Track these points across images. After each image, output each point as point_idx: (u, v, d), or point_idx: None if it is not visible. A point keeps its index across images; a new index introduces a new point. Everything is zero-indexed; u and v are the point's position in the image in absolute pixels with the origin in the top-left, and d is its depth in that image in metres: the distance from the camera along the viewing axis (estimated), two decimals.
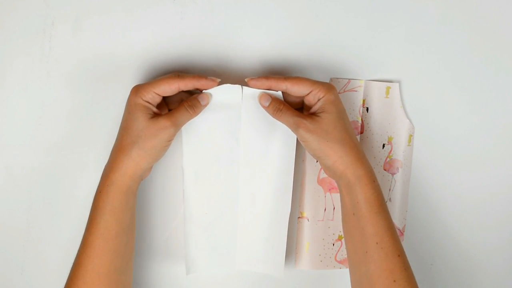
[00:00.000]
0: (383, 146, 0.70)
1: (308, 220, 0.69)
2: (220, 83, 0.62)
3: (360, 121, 0.69)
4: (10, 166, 0.67)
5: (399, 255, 0.59)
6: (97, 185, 0.61)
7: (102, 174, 0.61)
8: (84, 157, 0.68)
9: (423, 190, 0.72)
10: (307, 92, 0.61)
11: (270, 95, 0.62)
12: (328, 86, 0.61)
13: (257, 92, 0.63)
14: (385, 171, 0.70)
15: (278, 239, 0.66)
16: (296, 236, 0.69)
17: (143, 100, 0.60)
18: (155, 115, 0.60)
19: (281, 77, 0.62)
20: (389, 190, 0.70)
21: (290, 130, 0.62)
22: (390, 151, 0.70)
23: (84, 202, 0.67)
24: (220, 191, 0.66)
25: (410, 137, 0.70)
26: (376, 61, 0.69)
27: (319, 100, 0.61)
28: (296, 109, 0.63)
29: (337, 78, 0.68)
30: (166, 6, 0.66)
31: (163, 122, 0.59)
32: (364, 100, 0.69)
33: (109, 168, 0.60)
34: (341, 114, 0.61)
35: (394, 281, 0.58)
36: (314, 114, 0.61)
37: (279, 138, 0.65)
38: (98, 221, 0.59)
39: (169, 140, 0.61)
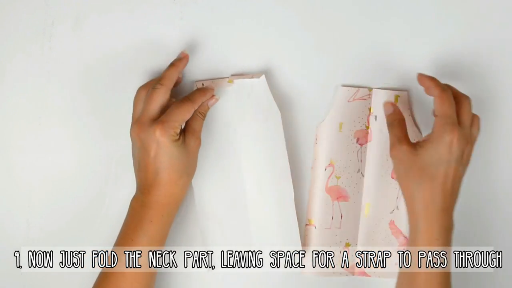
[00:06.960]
0: None
1: (315, 227, 0.69)
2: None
3: (368, 130, 0.68)
4: (10, 166, 0.68)
5: None
6: (148, 214, 0.60)
7: (151, 206, 0.60)
8: (84, 157, 0.68)
9: None
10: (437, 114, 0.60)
11: (394, 106, 0.65)
12: (451, 123, 0.59)
13: (245, 80, 0.65)
14: (392, 180, 0.69)
15: (288, 220, 0.67)
16: (303, 243, 0.69)
17: (174, 136, 0.59)
18: (178, 139, 0.60)
19: (439, 86, 0.61)
20: (397, 198, 0.69)
21: (276, 116, 0.65)
22: None
23: (83, 202, 0.68)
24: (228, 184, 0.68)
25: None
26: (385, 70, 0.69)
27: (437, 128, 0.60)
28: None
29: (347, 86, 0.68)
30: (166, 6, 0.66)
31: (194, 142, 0.61)
32: (372, 108, 0.69)
33: (164, 202, 0.60)
34: (450, 162, 0.59)
35: None
36: (422, 142, 0.60)
37: (269, 125, 0.66)
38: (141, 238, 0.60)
39: None
